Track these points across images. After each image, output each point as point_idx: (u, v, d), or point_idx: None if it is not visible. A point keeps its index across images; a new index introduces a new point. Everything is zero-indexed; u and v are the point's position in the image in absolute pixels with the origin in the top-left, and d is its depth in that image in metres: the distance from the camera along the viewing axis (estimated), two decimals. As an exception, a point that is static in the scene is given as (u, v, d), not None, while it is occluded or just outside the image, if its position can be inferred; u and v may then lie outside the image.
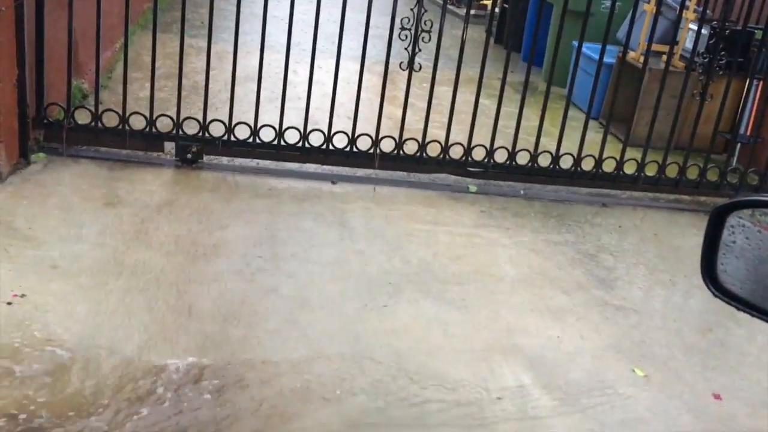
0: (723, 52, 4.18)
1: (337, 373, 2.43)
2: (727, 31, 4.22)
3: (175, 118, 3.87)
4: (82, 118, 3.82)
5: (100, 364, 2.31)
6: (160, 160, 3.92)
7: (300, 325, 2.68)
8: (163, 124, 3.89)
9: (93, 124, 3.80)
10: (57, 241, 2.98)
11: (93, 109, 3.81)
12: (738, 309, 1.03)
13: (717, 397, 2.59)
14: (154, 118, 3.85)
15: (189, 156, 3.90)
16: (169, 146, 3.96)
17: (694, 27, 4.92)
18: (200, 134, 3.90)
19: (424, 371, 2.51)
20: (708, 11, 4.62)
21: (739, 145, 4.88)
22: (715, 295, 1.06)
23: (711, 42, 4.29)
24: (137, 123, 3.85)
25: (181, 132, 3.89)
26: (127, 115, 3.80)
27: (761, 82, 4.80)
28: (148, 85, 3.90)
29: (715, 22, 4.71)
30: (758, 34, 4.86)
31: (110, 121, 3.82)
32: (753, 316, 1.02)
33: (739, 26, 4.64)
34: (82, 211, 3.26)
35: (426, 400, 2.37)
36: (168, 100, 4.47)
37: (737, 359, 2.85)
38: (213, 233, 3.25)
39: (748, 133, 4.87)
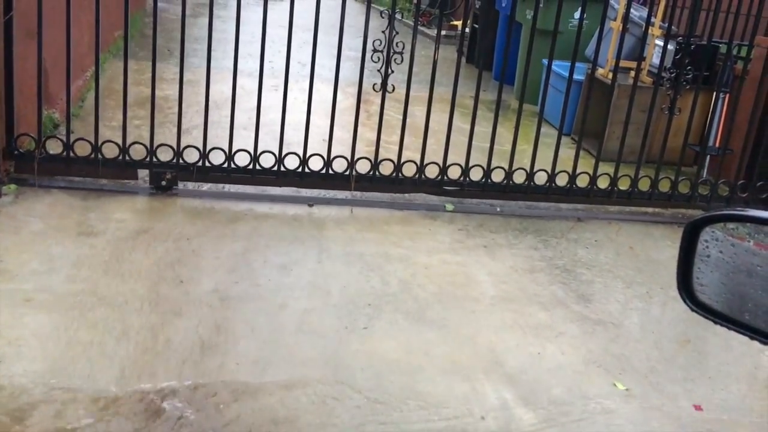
0: (689, 67, 4.27)
1: (319, 398, 2.41)
2: (693, 46, 4.32)
3: (148, 145, 3.84)
4: (54, 148, 3.78)
5: (77, 397, 2.27)
6: (135, 188, 3.89)
7: (279, 349, 2.65)
8: (137, 152, 3.86)
9: (65, 153, 3.76)
10: (30, 274, 2.93)
11: (64, 138, 3.77)
12: (715, 322, 1.05)
13: (698, 408, 2.61)
14: (127, 145, 3.82)
15: (163, 183, 3.87)
16: (143, 174, 3.93)
17: (660, 43, 5.02)
18: (174, 161, 3.87)
19: (407, 393, 2.49)
20: (673, 27, 4.72)
21: (708, 157, 4.96)
22: (693, 310, 1.07)
23: (677, 57, 4.39)
24: (110, 151, 3.82)
25: (154, 159, 3.86)
26: (100, 143, 3.77)
27: (727, 95, 4.91)
28: (120, 112, 3.88)
29: (680, 38, 4.82)
30: (723, 48, 4.96)
31: (82, 150, 3.78)
32: (729, 329, 1.03)
33: (704, 41, 4.74)
34: (56, 243, 3.21)
35: (409, 422, 2.36)
36: (141, 127, 4.45)
37: (716, 369, 2.87)
38: (189, 260, 3.22)
39: (717, 144, 4.96)
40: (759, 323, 1.01)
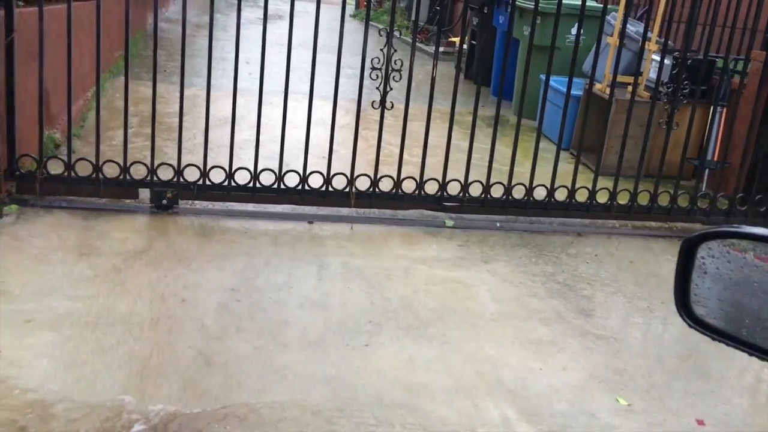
0: (686, 81, 4.29)
1: (320, 417, 2.41)
2: (689, 61, 4.35)
3: (149, 164, 3.86)
4: (55, 168, 3.80)
5: (79, 418, 2.26)
6: (135, 207, 3.90)
7: (280, 368, 2.65)
8: (138, 171, 3.87)
9: (66, 173, 3.77)
10: (31, 295, 2.93)
11: (66, 158, 3.79)
12: (713, 339, 1.05)
13: (700, 422, 2.60)
14: (127, 165, 3.83)
15: (164, 202, 3.89)
16: (144, 193, 3.94)
17: (657, 57, 5.05)
18: (175, 179, 3.89)
19: (409, 410, 2.49)
20: (670, 42, 4.75)
21: (707, 170, 4.98)
22: (691, 326, 1.08)
23: (674, 72, 4.41)
24: (111, 171, 3.83)
25: (155, 178, 3.88)
26: (101, 163, 3.79)
27: (725, 109, 4.93)
28: (121, 132, 3.90)
29: (677, 53, 4.85)
30: (719, 63, 4.99)
31: (83, 170, 3.80)
32: (728, 345, 1.04)
33: (700, 55, 4.77)
34: (57, 263, 3.22)
35: (411, 440, 2.35)
36: (142, 146, 4.47)
37: (718, 384, 2.87)
38: (190, 279, 3.22)
39: (715, 158, 4.97)
40: (757, 339, 1.02)
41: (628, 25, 4.67)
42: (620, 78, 4.59)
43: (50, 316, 2.79)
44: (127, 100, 3.81)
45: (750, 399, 2.79)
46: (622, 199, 4.34)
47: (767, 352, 1.01)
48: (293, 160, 4.07)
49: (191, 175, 3.89)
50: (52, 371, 2.48)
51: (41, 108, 3.69)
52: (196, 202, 4.00)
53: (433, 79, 4.03)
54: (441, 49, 5.18)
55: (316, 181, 4.01)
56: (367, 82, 3.92)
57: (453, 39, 10.25)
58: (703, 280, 1.08)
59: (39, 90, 3.64)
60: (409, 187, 4.10)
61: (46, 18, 3.58)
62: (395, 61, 3.87)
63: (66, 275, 3.12)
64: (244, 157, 4.03)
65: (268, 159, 4.05)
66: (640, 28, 5.36)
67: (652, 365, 2.95)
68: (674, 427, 2.57)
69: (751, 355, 1.02)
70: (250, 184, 3.95)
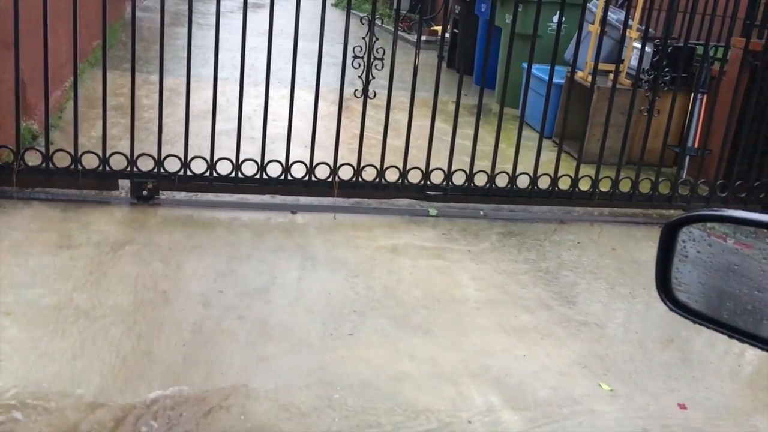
0: (667, 69, 4.31)
1: (304, 406, 2.40)
2: (670, 48, 4.36)
3: (128, 155, 3.81)
4: (33, 159, 3.74)
5: (60, 410, 2.24)
6: (115, 199, 3.86)
7: (264, 358, 2.64)
8: (117, 162, 3.83)
9: (44, 165, 3.72)
10: (10, 287, 2.89)
11: (44, 150, 3.73)
12: (694, 322, 1.06)
13: (682, 407, 2.63)
14: (107, 156, 3.79)
15: (145, 193, 3.85)
16: (124, 184, 3.90)
17: (638, 45, 5.07)
18: (155, 170, 3.85)
19: (393, 399, 2.49)
20: (651, 29, 4.76)
21: (688, 157, 5.01)
22: (672, 310, 1.08)
23: (655, 59, 4.43)
24: (90, 162, 3.79)
25: (135, 169, 3.84)
26: (79, 154, 3.74)
27: (705, 96, 4.96)
28: (99, 123, 3.85)
29: (657, 40, 4.87)
30: (699, 50, 5.02)
31: (62, 161, 3.75)
32: (709, 328, 1.04)
33: (680, 43, 4.79)
34: (36, 255, 3.18)
35: (396, 428, 2.35)
36: (121, 137, 4.42)
37: (699, 368, 2.90)
38: (172, 270, 3.20)
39: (696, 145, 5.01)
40: (738, 322, 1.02)
41: (609, 13, 4.67)
42: (602, 66, 4.60)
43: (29, 309, 2.76)
44: (105, 90, 3.76)
45: (731, 383, 2.82)
46: (604, 187, 4.36)
47: (747, 334, 1.02)
48: (276, 150, 4.04)
49: (172, 165, 3.86)
50: (32, 364, 2.45)
51: (18, 99, 3.63)
52: (177, 193, 3.96)
53: (415, 68, 4.01)
54: (423, 37, 5.17)
55: (299, 171, 3.99)
56: (349, 71, 3.89)
57: (435, 28, 10.22)
58: (684, 263, 1.08)
59: (15, 80, 3.58)
60: (392, 176, 4.09)
61: (22, 6, 3.52)
62: (377, 49, 3.85)
63: (45, 267, 3.08)
64: (225, 148, 4.00)
65: (251, 149, 4.02)
66: (621, 15, 5.37)
67: (634, 350, 2.97)
68: (656, 411, 2.60)
69: (731, 337, 1.02)
70: (232, 175, 3.92)
